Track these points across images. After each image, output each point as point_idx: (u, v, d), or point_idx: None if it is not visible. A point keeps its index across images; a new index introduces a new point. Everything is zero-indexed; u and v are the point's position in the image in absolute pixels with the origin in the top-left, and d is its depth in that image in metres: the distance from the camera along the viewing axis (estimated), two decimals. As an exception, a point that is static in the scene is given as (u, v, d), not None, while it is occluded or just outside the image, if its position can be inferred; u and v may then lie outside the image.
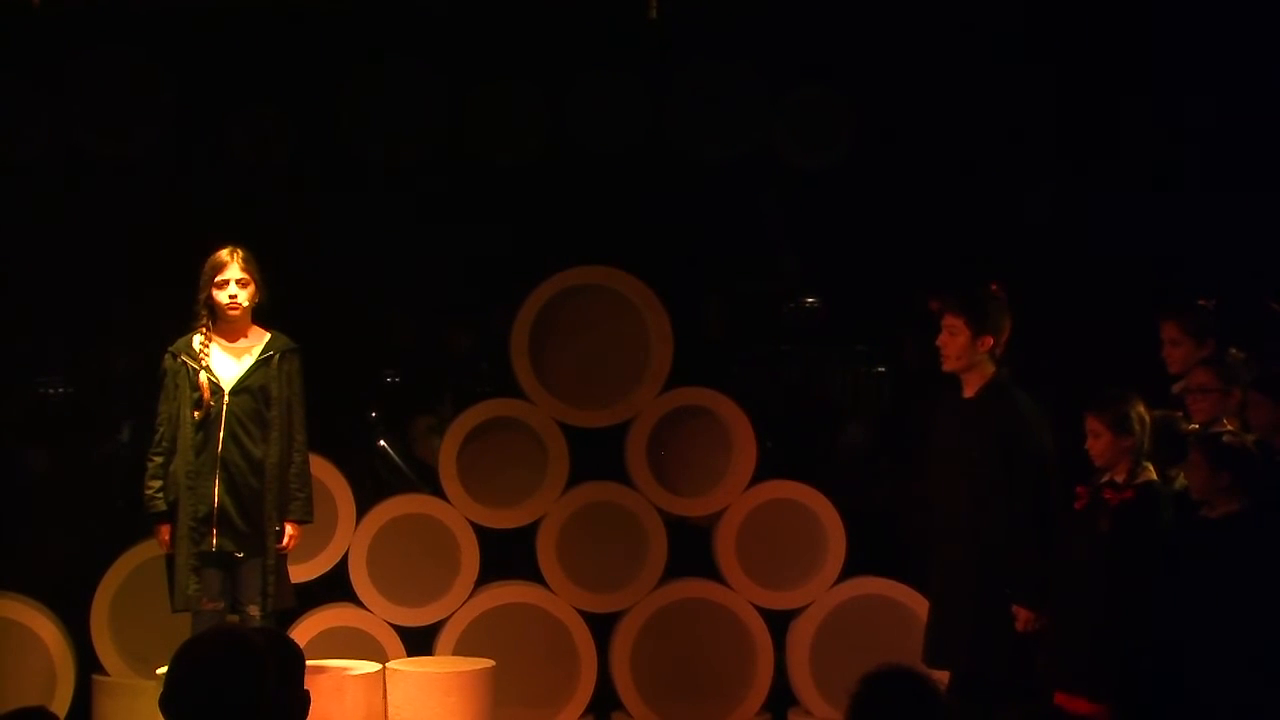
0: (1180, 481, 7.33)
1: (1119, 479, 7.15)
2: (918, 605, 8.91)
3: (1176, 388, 7.94)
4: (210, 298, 7.83)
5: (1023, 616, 7.25)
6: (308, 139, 9.68)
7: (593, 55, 9.91)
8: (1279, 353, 7.91)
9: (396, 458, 9.94)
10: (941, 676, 7.82)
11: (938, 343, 7.53)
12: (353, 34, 9.62)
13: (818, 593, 9.22)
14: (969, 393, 7.51)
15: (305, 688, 4.25)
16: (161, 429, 7.82)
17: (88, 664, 8.98)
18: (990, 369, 7.46)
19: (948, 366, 7.52)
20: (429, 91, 9.82)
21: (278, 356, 7.88)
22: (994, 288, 7.52)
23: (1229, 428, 7.29)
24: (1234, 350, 7.74)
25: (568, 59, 9.87)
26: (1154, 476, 7.17)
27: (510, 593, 9.16)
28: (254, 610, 7.76)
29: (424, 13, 9.59)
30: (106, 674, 8.95)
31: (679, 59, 9.99)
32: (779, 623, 9.27)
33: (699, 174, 10.03)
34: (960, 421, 7.51)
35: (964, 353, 7.45)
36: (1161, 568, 7.01)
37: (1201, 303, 8.05)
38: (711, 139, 10.02)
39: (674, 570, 9.24)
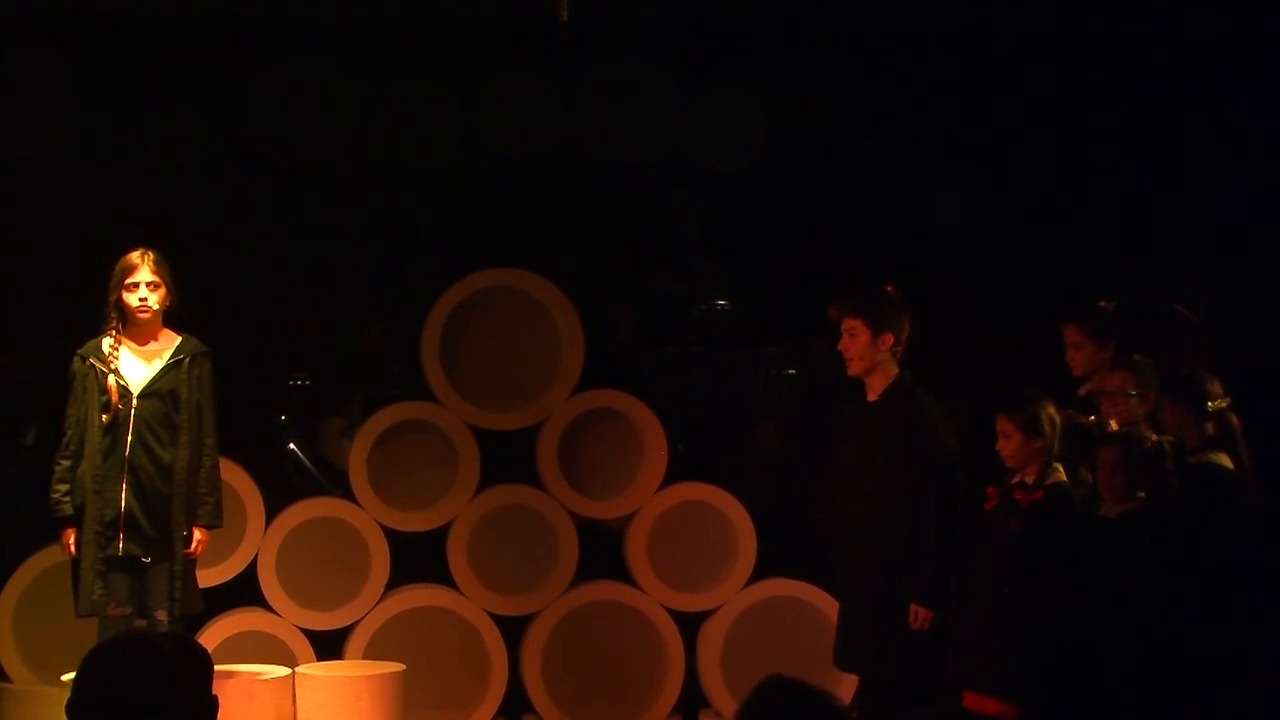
0: (1090, 481, 7.41)
1: (1029, 480, 7.22)
2: (828, 607, 8.94)
3: (1083, 390, 8.01)
4: (120, 300, 7.77)
5: (920, 615, 7.27)
6: (217, 139, 9.61)
7: (504, 57, 9.89)
8: (1184, 355, 7.99)
9: (306, 461, 9.90)
10: (852, 679, 7.91)
11: (839, 347, 7.55)
12: (263, 34, 9.57)
13: (729, 595, 9.25)
14: (873, 396, 7.53)
15: (214, 693, 4.23)
16: (69, 432, 7.75)
17: (-9, 670, 8.90)
18: (893, 370, 7.48)
19: (853, 370, 7.54)
20: (339, 93, 9.78)
21: (188, 360, 7.82)
22: (889, 288, 7.56)
23: (1147, 434, 7.36)
24: (1138, 356, 7.82)
25: (479, 61, 9.85)
26: (1064, 478, 7.24)
27: (421, 596, 9.14)
28: (161, 615, 7.70)
29: (335, 14, 9.55)
30: (10, 681, 8.86)
31: (590, 61, 9.99)
32: (690, 624, 9.29)
33: (610, 176, 10.03)
34: (864, 425, 7.53)
35: (866, 353, 7.47)
36: (1070, 568, 7.08)
37: (1103, 305, 8.13)
38: (623, 141, 10.03)
39: (585, 573, 9.24)
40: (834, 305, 7.58)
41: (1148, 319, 8.39)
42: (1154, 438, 7.25)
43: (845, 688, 8.03)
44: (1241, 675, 7.06)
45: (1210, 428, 7.30)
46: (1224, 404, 7.32)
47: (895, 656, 7.35)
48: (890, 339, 7.46)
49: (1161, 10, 9.60)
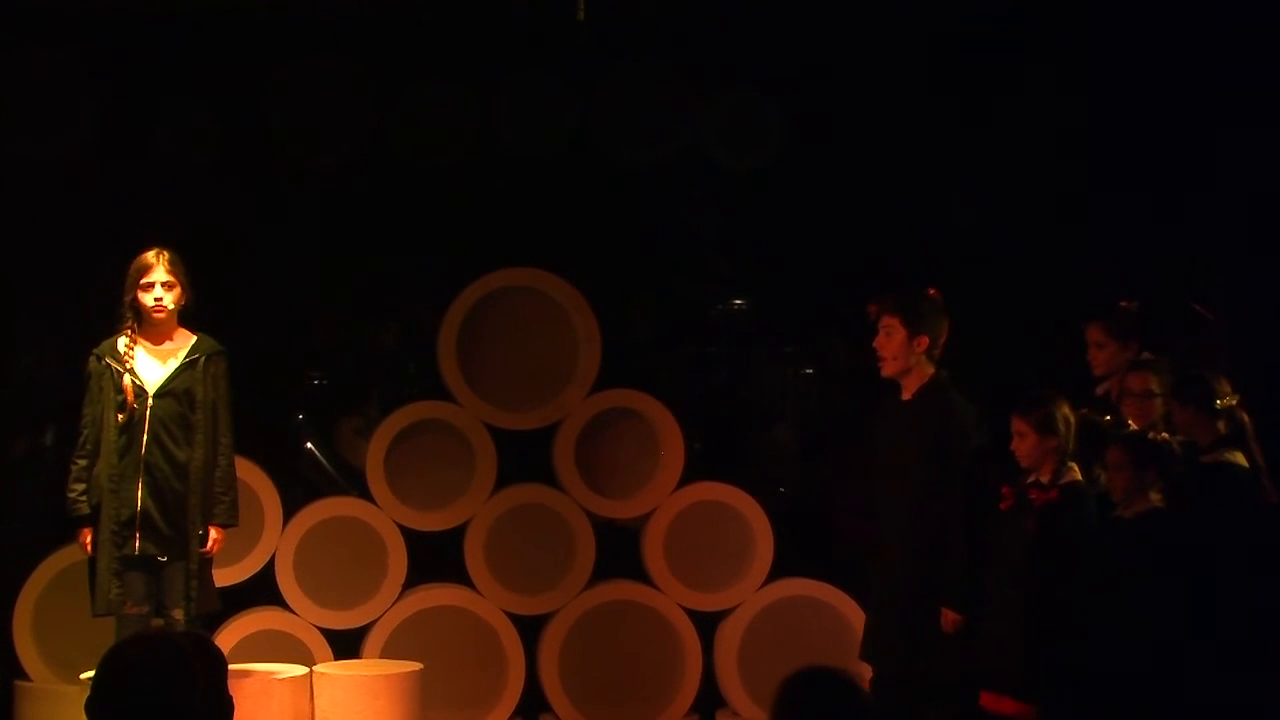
0: (1105, 481, 7.39)
1: (1044, 479, 7.20)
2: (845, 606, 8.97)
3: (1101, 389, 8.00)
4: (135, 300, 7.78)
5: (949, 619, 7.28)
6: (233, 139, 9.61)
7: (521, 56, 9.89)
8: (1201, 355, 7.97)
9: (323, 460, 9.91)
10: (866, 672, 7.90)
11: (875, 344, 7.55)
12: (279, 32, 9.57)
13: (745, 594, 9.24)
14: (907, 395, 7.54)
15: (229, 692, 4.24)
16: (85, 432, 7.77)
17: (10, 669, 8.90)
18: (929, 370, 7.49)
19: (885, 370, 7.54)
20: (356, 91, 9.78)
21: (203, 359, 7.83)
22: (931, 291, 7.56)
23: (1163, 435, 7.35)
24: (1146, 354, 7.82)
25: (496, 60, 9.85)
26: (1079, 477, 7.22)
27: (438, 595, 9.14)
28: (178, 614, 7.71)
29: (352, 12, 9.55)
30: (29, 679, 8.87)
31: (607, 61, 9.99)
32: (707, 624, 9.28)
33: (627, 176, 10.03)
34: (898, 424, 7.53)
35: (900, 353, 7.47)
36: (1086, 567, 7.06)
37: (1125, 304, 8.11)
38: (639, 140, 10.02)
39: (602, 572, 9.24)
40: (874, 302, 7.58)
41: (1166, 318, 8.37)
42: (1163, 436, 7.23)
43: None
44: (1257, 673, 7.05)
45: (1221, 426, 7.29)
46: (1233, 401, 7.31)
47: (926, 655, 7.36)
48: (925, 341, 7.46)
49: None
